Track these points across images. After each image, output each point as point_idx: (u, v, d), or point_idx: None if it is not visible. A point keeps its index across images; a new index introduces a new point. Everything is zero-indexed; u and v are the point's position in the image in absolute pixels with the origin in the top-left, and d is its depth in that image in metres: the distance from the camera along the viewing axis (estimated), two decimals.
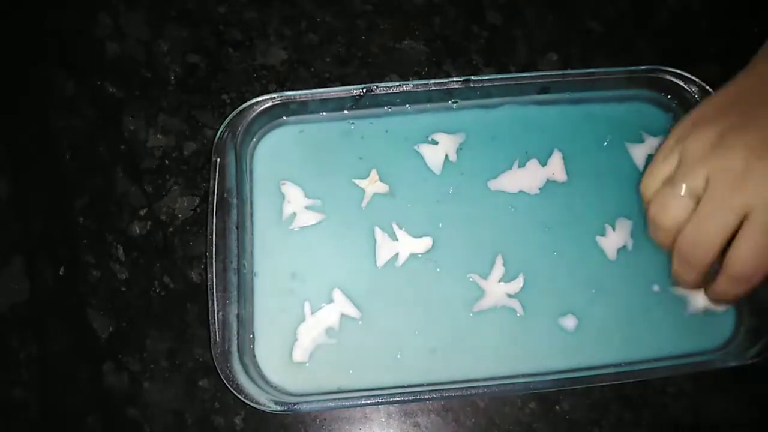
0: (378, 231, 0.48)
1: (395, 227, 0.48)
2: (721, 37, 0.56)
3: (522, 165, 0.50)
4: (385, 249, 0.48)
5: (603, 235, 0.48)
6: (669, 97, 0.51)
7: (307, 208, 0.49)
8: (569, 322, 0.46)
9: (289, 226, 0.48)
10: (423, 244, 0.48)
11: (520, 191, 0.49)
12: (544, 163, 0.50)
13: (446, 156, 0.50)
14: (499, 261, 0.47)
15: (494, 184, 0.50)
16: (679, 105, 0.51)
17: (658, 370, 0.44)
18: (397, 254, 0.47)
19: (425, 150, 0.50)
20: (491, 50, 0.56)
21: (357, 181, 0.49)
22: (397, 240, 0.48)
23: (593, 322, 0.46)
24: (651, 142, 0.51)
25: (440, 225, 0.48)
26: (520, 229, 0.48)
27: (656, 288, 0.47)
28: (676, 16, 0.57)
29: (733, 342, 0.45)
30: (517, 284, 0.47)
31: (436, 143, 0.51)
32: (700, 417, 0.46)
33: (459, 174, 0.50)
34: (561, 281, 0.47)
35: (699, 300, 0.46)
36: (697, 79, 0.50)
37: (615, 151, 0.51)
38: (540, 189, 0.49)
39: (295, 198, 0.49)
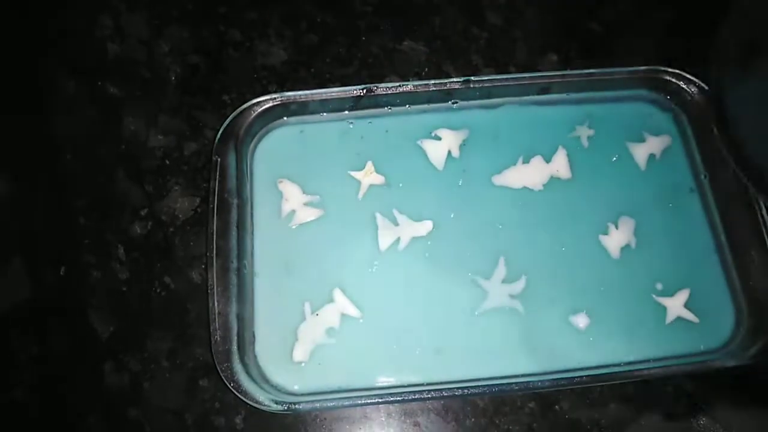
0: (379, 216, 0.48)
1: (396, 213, 0.48)
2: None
3: (525, 162, 0.50)
4: (386, 234, 0.48)
5: (606, 233, 0.48)
6: (668, 97, 0.52)
7: (305, 204, 0.49)
8: (572, 321, 0.46)
9: (288, 224, 0.48)
10: (424, 227, 0.48)
11: (524, 187, 0.49)
12: (547, 161, 0.50)
13: (449, 152, 0.50)
14: (501, 262, 0.47)
15: (498, 180, 0.50)
16: (678, 105, 0.51)
17: (658, 369, 0.44)
18: (398, 239, 0.47)
19: (428, 145, 0.50)
20: (491, 51, 0.56)
21: (353, 173, 0.49)
22: (398, 225, 0.48)
23: (595, 322, 0.46)
24: (652, 141, 0.51)
25: (442, 224, 0.48)
26: (523, 228, 0.48)
27: (659, 286, 0.47)
28: (675, 17, 0.57)
29: (733, 342, 0.45)
30: (520, 285, 0.47)
31: (440, 139, 0.51)
32: (700, 417, 0.46)
33: (461, 171, 0.50)
34: (564, 281, 0.47)
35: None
36: (696, 79, 0.50)
37: (616, 150, 0.51)
38: (544, 185, 0.49)
39: (293, 195, 0.49)
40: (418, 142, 0.51)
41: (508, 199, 0.49)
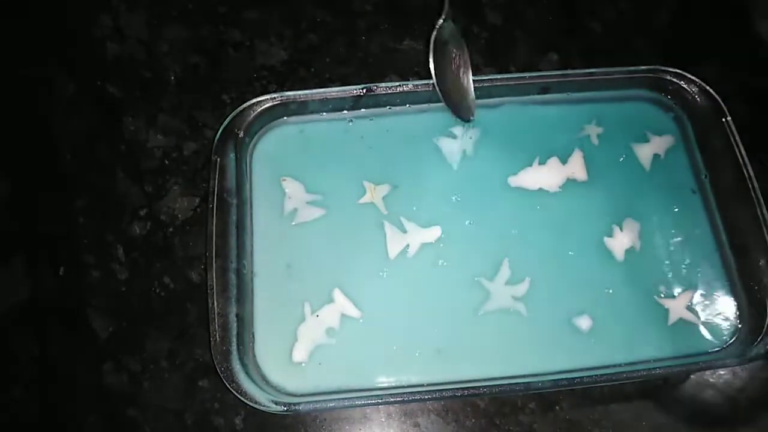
0: (387, 224, 0.48)
1: (403, 220, 0.48)
2: (721, 37, 0.56)
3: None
4: (395, 242, 0.48)
5: (611, 236, 0.48)
6: (669, 97, 0.51)
7: (308, 203, 0.49)
8: (575, 323, 0.45)
9: (289, 223, 0.48)
10: (432, 234, 0.48)
11: (540, 189, 0.49)
12: (563, 162, 0.50)
13: (464, 151, 0.50)
14: (505, 263, 0.47)
15: (512, 181, 0.50)
16: (679, 105, 0.51)
17: (660, 370, 0.44)
18: (407, 246, 0.47)
19: (444, 143, 0.50)
20: (491, 50, 0.56)
21: (366, 183, 0.49)
22: (406, 232, 0.48)
23: (598, 324, 0.45)
24: (656, 141, 0.51)
25: (449, 227, 0.48)
26: (528, 230, 0.48)
27: (661, 288, 0.47)
28: (675, 16, 0.57)
29: (733, 342, 0.45)
30: (524, 287, 0.46)
31: (455, 137, 0.51)
32: (700, 417, 0.45)
33: (469, 171, 0.50)
34: (567, 283, 0.47)
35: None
36: (697, 79, 0.50)
37: (623, 150, 0.51)
38: (560, 187, 0.49)
39: (296, 193, 0.49)
40: (435, 140, 0.51)
41: (517, 201, 0.49)
